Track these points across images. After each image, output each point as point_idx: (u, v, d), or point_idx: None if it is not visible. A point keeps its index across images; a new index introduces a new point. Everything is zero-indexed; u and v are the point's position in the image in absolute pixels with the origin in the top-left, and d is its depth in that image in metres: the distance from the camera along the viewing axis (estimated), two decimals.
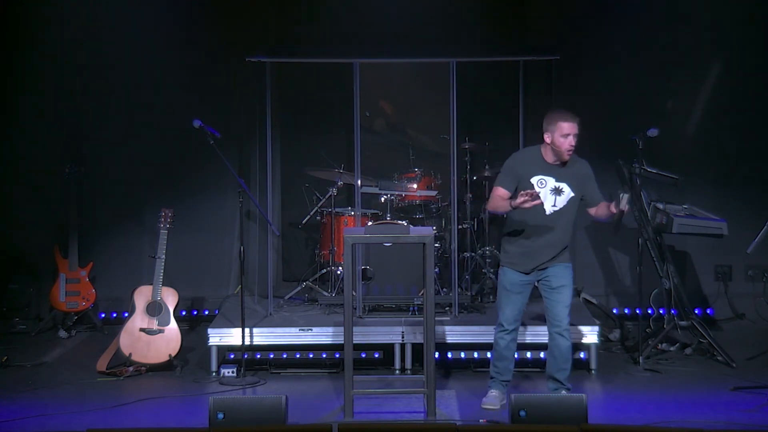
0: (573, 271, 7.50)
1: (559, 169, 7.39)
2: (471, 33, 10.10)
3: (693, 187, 9.71)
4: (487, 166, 9.60)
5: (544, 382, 7.67)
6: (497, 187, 7.47)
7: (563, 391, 7.41)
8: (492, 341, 7.66)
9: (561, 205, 7.38)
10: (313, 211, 9.67)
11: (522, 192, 7.16)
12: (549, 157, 7.40)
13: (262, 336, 8.57)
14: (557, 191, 7.38)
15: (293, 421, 6.45)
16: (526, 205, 7.13)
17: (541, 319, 7.98)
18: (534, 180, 7.37)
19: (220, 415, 6.22)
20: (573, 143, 7.31)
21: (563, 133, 7.30)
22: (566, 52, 9.55)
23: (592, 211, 7.52)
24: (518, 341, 7.65)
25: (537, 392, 7.76)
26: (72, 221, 9.72)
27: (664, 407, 7.45)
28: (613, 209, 7.24)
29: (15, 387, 8.06)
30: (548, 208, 7.37)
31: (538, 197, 7.20)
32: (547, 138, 7.36)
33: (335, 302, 9.05)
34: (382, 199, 9.36)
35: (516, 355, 7.72)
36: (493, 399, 7.53)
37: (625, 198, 7.21)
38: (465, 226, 9.49)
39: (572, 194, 7.39)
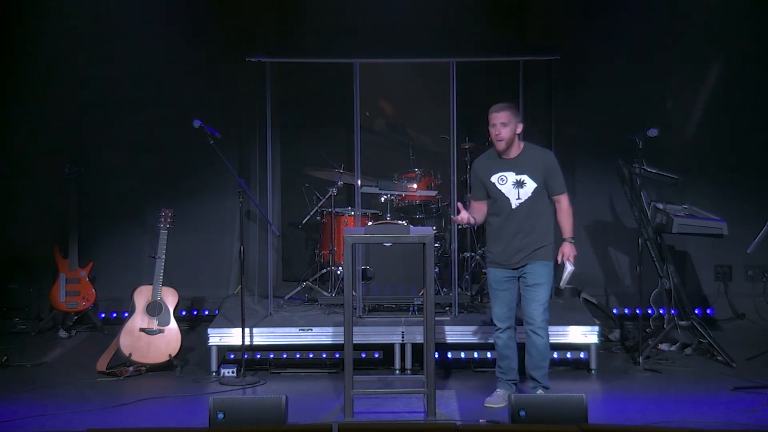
0: (552, 270, 7.54)
1: (517, 163, 7.49)
2: (471, 33, 10.10)
3: (693, 187, 9.72)
4: None
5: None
6: (471, 200, 7.69)
7: (540, 390, 7.45)
8: (492, 341, 7.70)
9: (525, 197, 7.47)
10: (313, 211, 9.67)
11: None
12: (501, 153, 7.52)
13: (262, 336, 8.57)
14: (519, 184, 7.46)
15: (293, 421, 6.44)
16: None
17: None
18: (494, 178, 7.51)
19: (220, 415, 6.22)
20: (499, 131, 7.41)
21: (490, 124, 7.46)
22: (566, 52, 9.54)
23: (557, 207, 7.59)
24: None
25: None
26: (72, 221, 9.72)
27: (664, 407, 7.44)
28: (558, 258, 7.49)
29: (15, 387, 8.06)
30: (514, 202, 7.48)
31: (459, 215, 7.50)
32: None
33: (335, 302, 9.05)
34: (382, 199, 9.36)
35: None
36: (497, 397, 7.54)
37: (566, 272, 7.47)
38: (465, 226, 9.47)
39: (535, 184, 7.47)
